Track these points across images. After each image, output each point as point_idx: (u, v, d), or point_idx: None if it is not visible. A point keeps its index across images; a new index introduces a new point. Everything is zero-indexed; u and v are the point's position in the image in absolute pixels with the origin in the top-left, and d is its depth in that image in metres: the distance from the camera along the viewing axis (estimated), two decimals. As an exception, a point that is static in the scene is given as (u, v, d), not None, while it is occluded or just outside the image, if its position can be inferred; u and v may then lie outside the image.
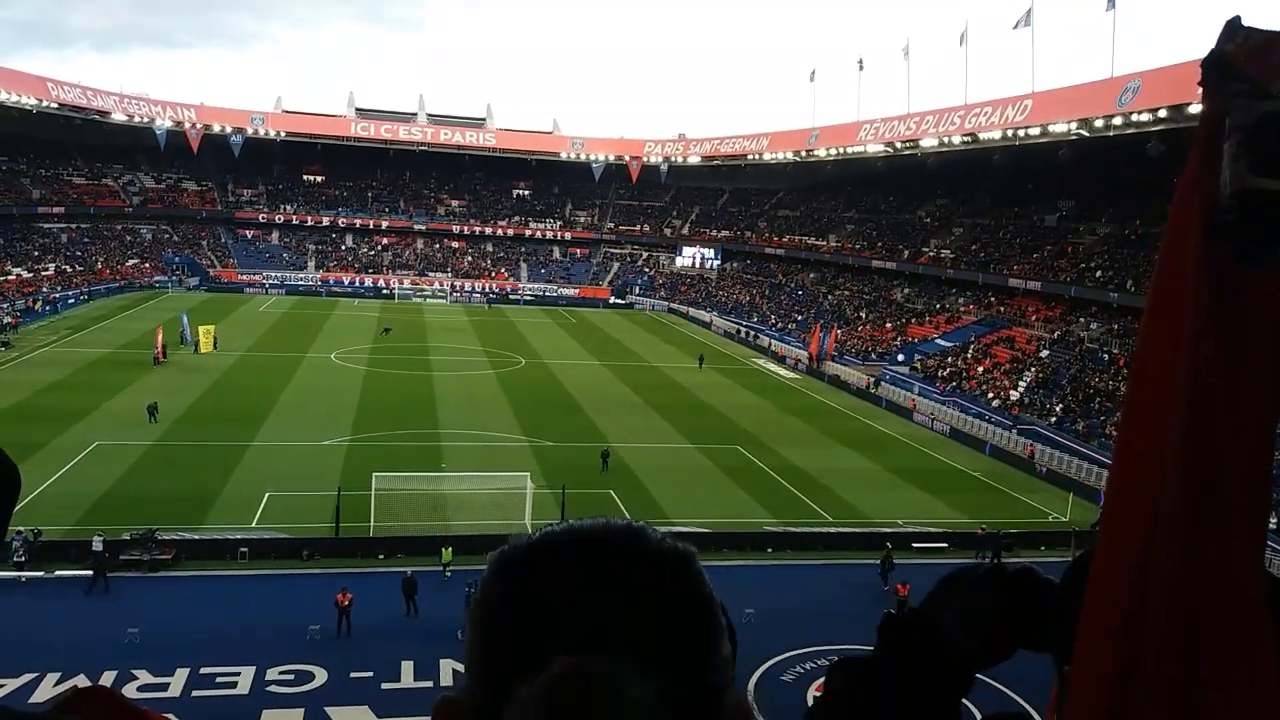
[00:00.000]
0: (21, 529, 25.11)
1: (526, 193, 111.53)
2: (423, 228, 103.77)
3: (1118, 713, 0.81)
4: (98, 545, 25.45)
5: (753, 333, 75.46)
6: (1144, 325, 0.84)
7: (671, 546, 0.89)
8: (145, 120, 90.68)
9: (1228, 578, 0.76)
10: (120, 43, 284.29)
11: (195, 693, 19.70)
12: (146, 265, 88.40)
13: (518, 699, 0.78)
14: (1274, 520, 31.99)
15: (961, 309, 66.51)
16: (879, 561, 27.99)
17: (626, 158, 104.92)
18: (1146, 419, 0.82)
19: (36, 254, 78.63)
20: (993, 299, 65.01)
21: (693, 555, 0.90)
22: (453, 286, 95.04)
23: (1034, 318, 59.67)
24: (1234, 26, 0.79)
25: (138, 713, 0.91)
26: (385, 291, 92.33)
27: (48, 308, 67.71)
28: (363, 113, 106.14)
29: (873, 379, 54.67)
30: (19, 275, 72.40)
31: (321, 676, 20.72)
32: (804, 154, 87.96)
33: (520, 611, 0.85)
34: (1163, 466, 0.78)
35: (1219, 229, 0.75)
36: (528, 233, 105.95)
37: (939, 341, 62.13)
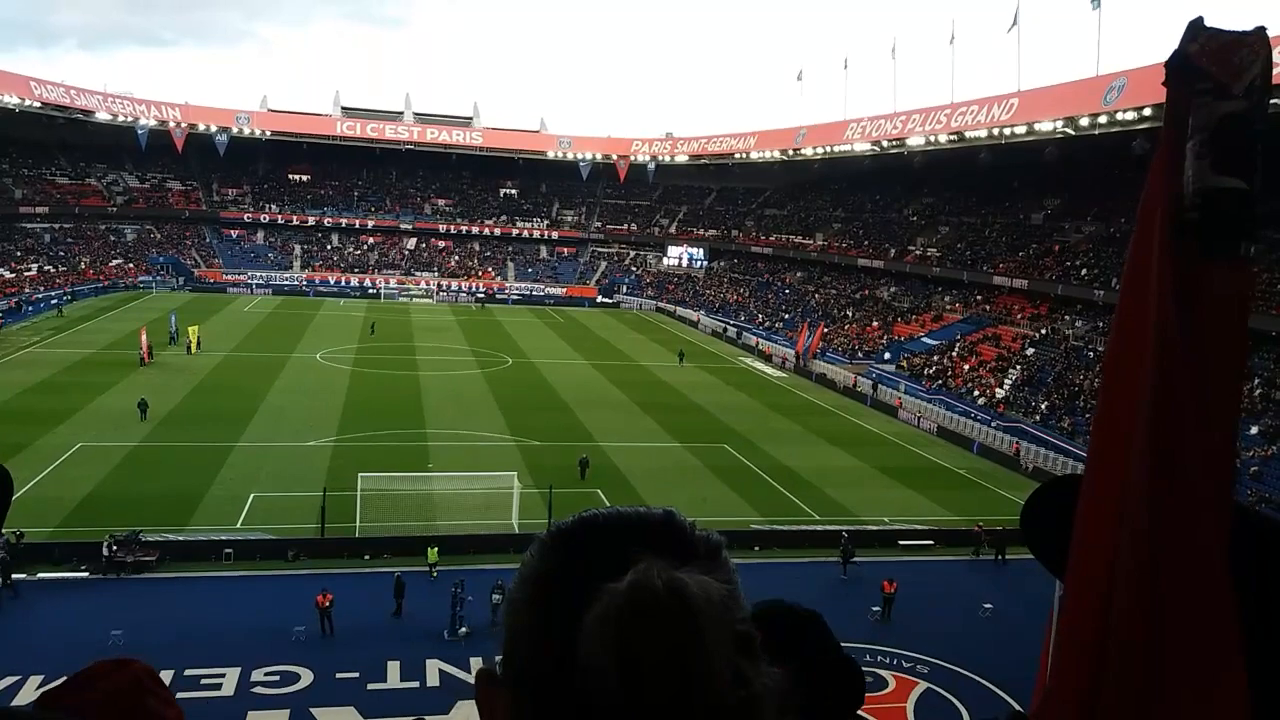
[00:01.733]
0: (3, 532, 24.91)
1: (513, 192, 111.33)
2: (409, 227, 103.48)
3: (1093, 690, 0.82)
4: (106, 551, 25.41)
5: (739, 331, 75.56)
6: (1115, 322, 0.85)
7: (704, 534, 0.91)
8: (129, 119, 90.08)
9: (1194, 570, 0.76)
10: (107, 41, 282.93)
11: (180, 694, 19.26)
12: (130, 265, 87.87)
13: (590, 618, 0.78)
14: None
15: (947, 307, 66.73)
16: (839, 551, 28.46)
17: (614, 157, 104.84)
18: (1118, 415, 0.83)
19: (19, 254, 78.12)
20: (978, 297, 65.23)
21: (723, 544, 0.92)
22: (439, 286, 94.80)
23: (1019, 316, 59.90)
24: (1196, 28, 0.80)
25: (162, 696, 0.91)
26: (371, 291, 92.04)
27: (30, 307, 67.16)
28: (348, 112, 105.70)
29: (870, 383, 54.29)
30: (1, 275, 71.92)
31: (307, 677, 20.64)
32: (791, 153, 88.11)
33: (573, 582, 0.83)
34: (1132, 454, 0.79)
35: (1183, 226, 0.77)
36: (515, 232, 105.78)
37: (925, 340, 62.31)
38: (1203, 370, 0.76)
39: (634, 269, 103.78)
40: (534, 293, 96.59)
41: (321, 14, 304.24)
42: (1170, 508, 0.76)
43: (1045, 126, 56.62)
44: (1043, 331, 55.90)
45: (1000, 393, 50.01)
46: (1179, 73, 0.79)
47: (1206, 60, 0.78)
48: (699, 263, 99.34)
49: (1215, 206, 0.75)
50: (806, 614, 1.49)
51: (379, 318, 73.53)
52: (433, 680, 20.91)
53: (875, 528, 31.98)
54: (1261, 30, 0.79)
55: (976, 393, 50.93)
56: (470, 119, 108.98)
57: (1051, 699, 0.89)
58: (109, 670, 0.92)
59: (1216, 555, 0.77)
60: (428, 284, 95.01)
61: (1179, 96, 0.79)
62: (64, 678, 0.89)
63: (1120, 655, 0.79)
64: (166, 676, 19.88)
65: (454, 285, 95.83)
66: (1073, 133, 54.97)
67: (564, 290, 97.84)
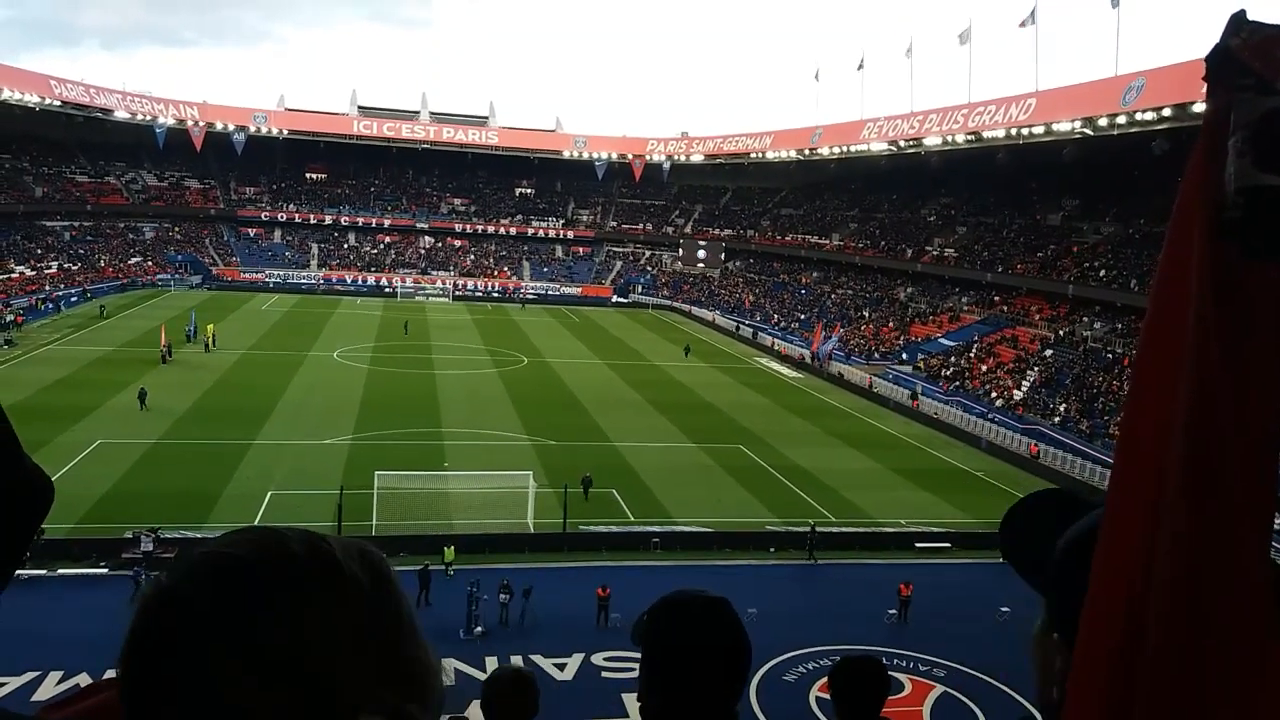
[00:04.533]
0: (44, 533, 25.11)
1: (529, 191, 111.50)
2: (425, 226, 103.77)
3: (1120, 700, 0.81)
4: (147, 545, 25.63)
5: (755, 331, 75.46)
6: (1148, 320, 0.83)
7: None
8: (148, 118, 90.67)
9: (1231, 573, 0.75)
10: (129, 41, 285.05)
11: (197, 691, 19.68)
12: (149, 263, 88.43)
13: None
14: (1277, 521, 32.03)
15: (964, 308, 66.41)
16: (806, 542, 29.20)
17: (629, 156, 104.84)
18: (1149, 414, 0.82)
19: (40, 252, 78.72)
20: (996, 298, 64.90)
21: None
22: (455, 285, 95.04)
23: (1037, 317, 59.56)
24: (1239, 21, 0.78)
25: None
26: (388, 290, 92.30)
27: (62, 304, 67.61)
28: (365, 111, 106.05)
29: (909, 392, 53.05)
30: (22, 273, 72.50)
31: (323, 675, 20.68)
32: (807, 153, 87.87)
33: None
34: (1165, 462, 0.78)
35: (1225, 226, 0.75)
36: (530, 231, 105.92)
37: (942, 341, 62.04)
38: (1243, 375, 0.74)
39: (650, 268, 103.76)
40: (549, 292, 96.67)
41: (340, 14, 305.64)
42: (1210, 515, 0.75)
43: (1063, 127, 56.25)
44: (1060, 333, 55.56)
45: (1018, 394, 49.74)
46: (1220, 67, 0.77)
47: (1249, 55, 0.75)
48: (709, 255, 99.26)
49: (1259, 205, 0.74)
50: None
51: (396, 317, 73.79)
52: (448, 679, 20.94)
53: (892, 530, 31.87)
54: None
55: (994, 394, 50.67)
56: (486, 118, 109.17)
57: (1074, 711, 0.88)
58: (95, 689, 0.93)
59: (1258, 563, 0.76)
60: (444, 283, 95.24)
61: (1220, 92, 0.77)
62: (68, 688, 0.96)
63: (1154, 666, 0.77)
64: (184, 673, 20.09)
65: (470, 284, 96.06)
66: (1091, 133, 54.59)
67: (579, 290, 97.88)
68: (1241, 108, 0.75)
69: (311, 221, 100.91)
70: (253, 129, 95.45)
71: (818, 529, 30.15)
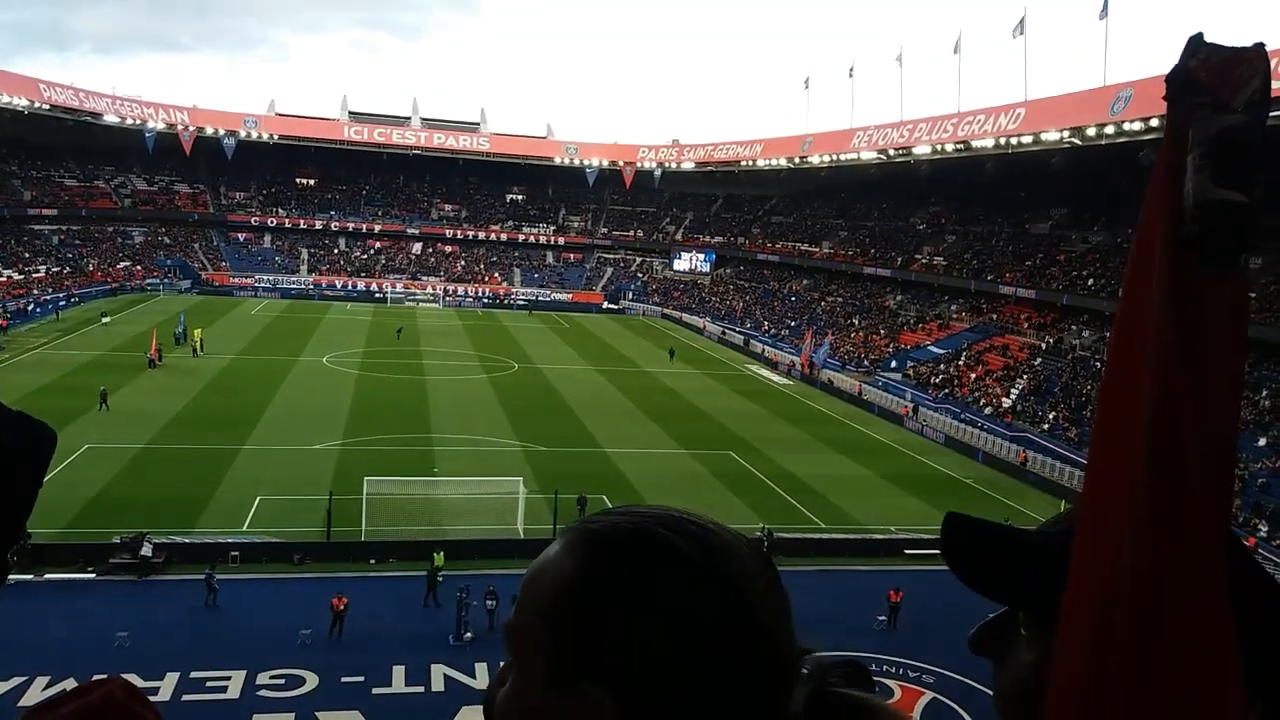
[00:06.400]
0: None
1: (520, 197, 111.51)
2: (416, 232, 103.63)
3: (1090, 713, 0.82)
4: (146, 550, 25.59)
5: (747, 338, 75.59)
6: (1114, 332, 0.86)
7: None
8: (137, 122, 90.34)
9: (1190, 583, 0.77)
10: (122, 46, 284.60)
11: (185, 697, 19.62)
12: (138, 268, 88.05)
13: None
14: (1264, 529, 32.17)
15: (954, 316, 66.65)
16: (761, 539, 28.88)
17: (620, 163, 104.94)
18: (1117, 425, 0.83)
19: (28, 256, 78.33)
20: (985, 306, 65.17)
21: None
22: (445, 291, 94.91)
23: (1026, 325, 59.83)
24: (1196, 43, 0.81)
25: (134, 712, 0.95)
26: (378, 295, 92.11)
27: (38, 309, 67.29)
28: (356, 116, 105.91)
29: (910, 405, 53.13)
30: (10, 277, 72.11)
31: (312, 681, 20.65)
32: (797, 161, 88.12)
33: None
34: (1131, 472, 0.80)
35: (1184, 239, 0.78)
36: (521, 237, 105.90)
37: (931, 348, 62.24)
38: (1202, 381, 0.77)
39: (640, 275, 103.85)
40: (540, 298, 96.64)
41: (335, 21, 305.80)
42: (1171, 521, 0.77)
43: (1052, 136, 56.61)
44: (1049, 341, 55.84)
45: (1007, 402, 49.94)
46: (1179, 87, 0.80)
47: (1206, 75, 0.79)
48: (706, 264, 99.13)
49: (1215, 219, 0.77)
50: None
51: (387, 322, 73.65)
52: (438, 685, 20.92)
53: (881, 536, 31.94)
54: (1260, 46, 0.80)
55: (983, 402, 50.85)
56: (477, 125, 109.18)
57: (1056, 692, 0.87)
58: (84, 690, 0.95)
59: (1218, 572, 0.77)
60: (434, 288, 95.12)
61: (1179, 110, 0.80)
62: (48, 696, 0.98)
63: (1120, 652, 0.79)
64: (172, 679, 20.02)
65: (460, 290, 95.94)
66: (1079, 143, 54.96)
67: (570, 296, 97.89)
68: (1199, 125, 0.78)
69: (302, 226, 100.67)
70: (243, 134, 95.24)
71: (775, 534, 29.89)
